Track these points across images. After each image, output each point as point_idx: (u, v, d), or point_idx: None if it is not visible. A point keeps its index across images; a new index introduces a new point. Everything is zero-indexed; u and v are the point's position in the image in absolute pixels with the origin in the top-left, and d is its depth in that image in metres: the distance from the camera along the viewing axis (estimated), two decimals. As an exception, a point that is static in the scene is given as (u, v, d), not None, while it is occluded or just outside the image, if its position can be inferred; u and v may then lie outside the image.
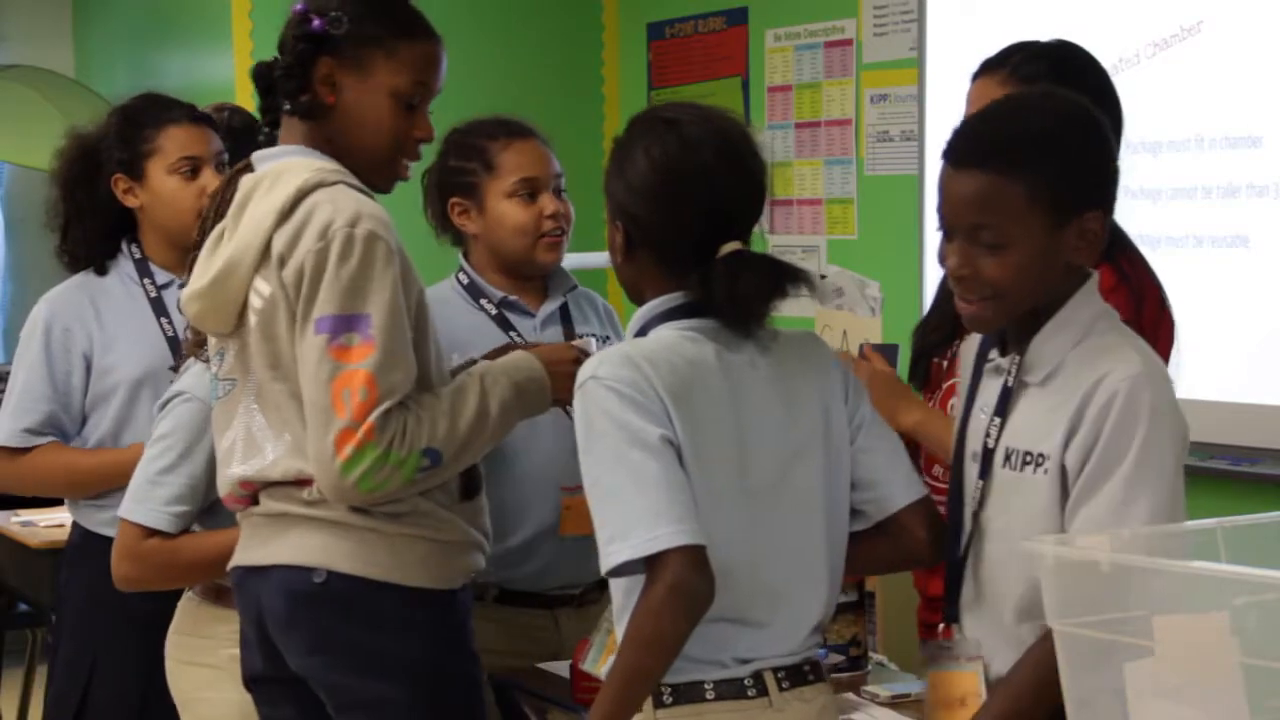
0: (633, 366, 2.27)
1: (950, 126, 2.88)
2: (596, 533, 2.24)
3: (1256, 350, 4.20)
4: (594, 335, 3.28)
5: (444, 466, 2.56)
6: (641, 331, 2.37)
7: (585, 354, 2.73)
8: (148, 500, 2.86)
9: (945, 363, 2.87)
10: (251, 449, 2.62)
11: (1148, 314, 2.74)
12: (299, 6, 2.64)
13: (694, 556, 2.19)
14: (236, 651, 2.75)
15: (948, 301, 2.86)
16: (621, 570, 2.22)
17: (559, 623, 3.24)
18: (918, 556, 2.46)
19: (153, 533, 2.85)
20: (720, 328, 2.33)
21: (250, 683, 2.73)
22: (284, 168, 2.60)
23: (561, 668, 3.01)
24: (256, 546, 2.65)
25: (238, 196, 2.64)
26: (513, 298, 3.27)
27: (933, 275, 2.98)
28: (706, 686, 2.27)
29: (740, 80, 6.03)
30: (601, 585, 3.21)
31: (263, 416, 2.61)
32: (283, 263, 2.53)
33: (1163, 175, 4.32)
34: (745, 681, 2.29)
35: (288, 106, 2.62)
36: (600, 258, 3.64)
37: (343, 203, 2.54)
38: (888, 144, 5.08)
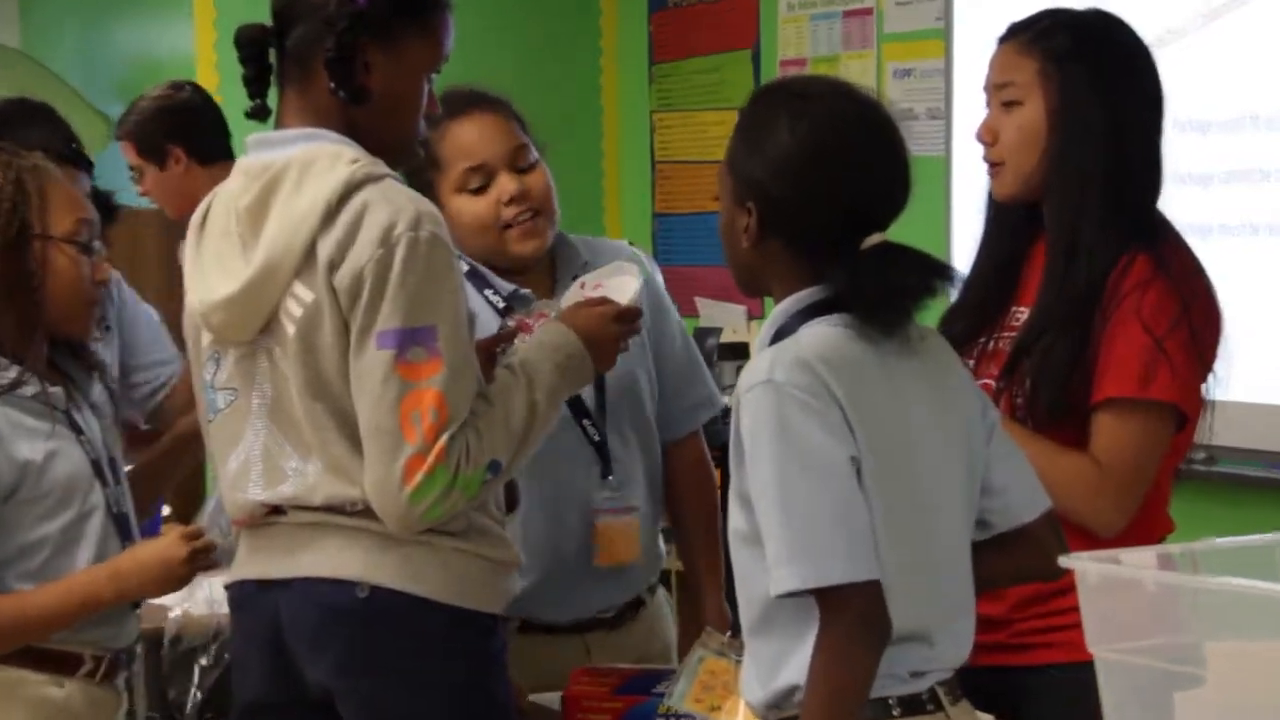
0: (809, 371, 2.26)
1: (981, 103, 2.89)
2: (766, 550, 2.24)
3: (1318, 349, 4.19)
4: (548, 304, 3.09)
5: (503, 475, 2.60)
6: (780, 332, 2.36)
7: (627, 311, 2.75)
8: None
9: (972, 361, 2.86)
10: (273, 473, 2.61)
11: (1196, 311, 2.73)
12: None
13: (874, 591, 2.23)
14: None
15: (973, 291, 2.87)
16: (788, 594, 2.25)
17: (590, 650, 3.18)
18: (1040, 573, 2.46)
19: None
20: (866, 325, 2.33)
21: (246, 712, 2.73)
22: (309, 157, 2.57)
23: (553, 699, 3.00)
24: (277, 557, 2.64)
25: (250, 188, 2.60)
26: (523, 291, 3.13)
27: (961, 261, 2.97)
28: (891, 702, 2.30)
29: (750, 54, 6.02)
30: (636, 604, 3.23)
31: (281, 435, 2.60)
32: (333, 268, 2.52)
33: (1213, 157, 4.31)
34: (923, 696, 2.33)
35: (341, 94, 2.59)
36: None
37: (399, 202, 2.53)
38: (912, 123, 5.07)
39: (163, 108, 4.44)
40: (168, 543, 2.79)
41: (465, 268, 3.09)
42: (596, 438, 3.14)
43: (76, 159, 3.50)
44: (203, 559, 2.81)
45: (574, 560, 3.12)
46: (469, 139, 3.10)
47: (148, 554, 2.78)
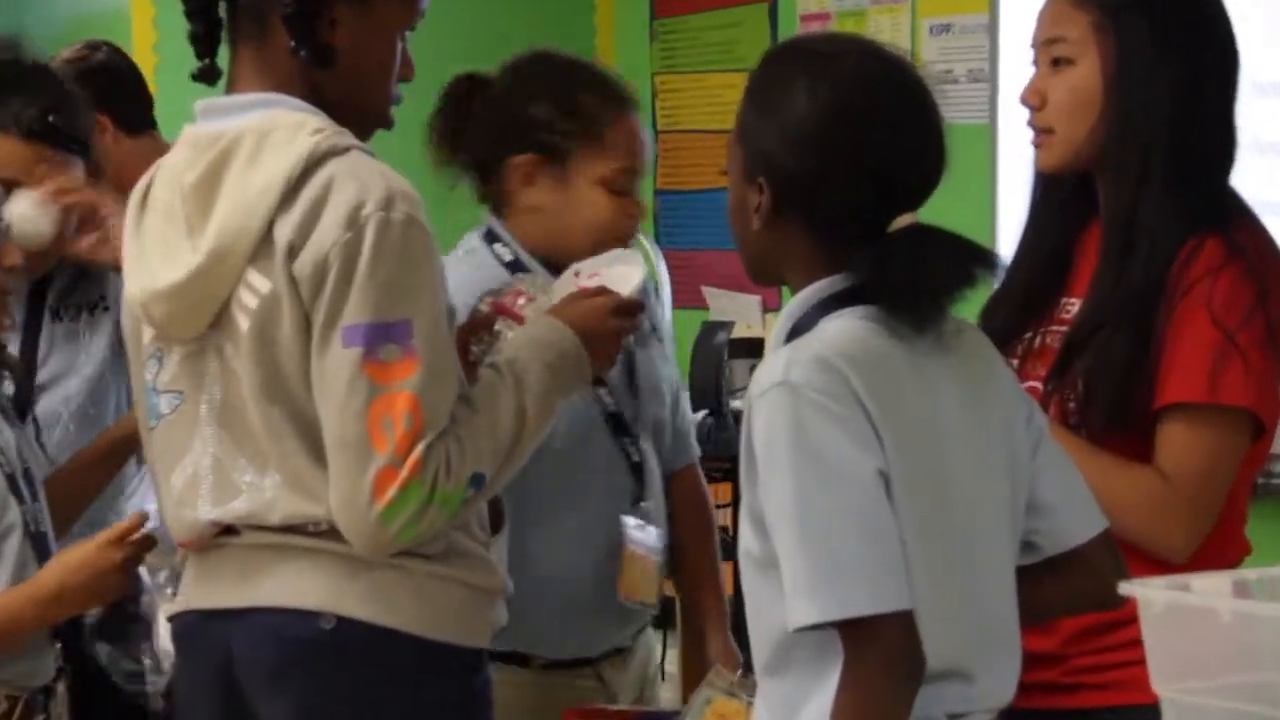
0: (829, 370, 2.26)
1: (1028, 63, 2.89)
2: (782, 576, 2.24)
3: None
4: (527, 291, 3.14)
5: (487, 489, 2.60)
6: (797, 327, 2.36)
7: (628, 303, 2.76)
8: None
9: (1017, 360, 2.87)
10: (225, 487, 2.61)
11: (1274, 302, 2.72)
12: None
13: (905, 622, 2.23)
14: None
15: (1018, 279, 2.87)
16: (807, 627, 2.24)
17: (604, 678, 3.25)
18: (1096, 601, 2.48)
19: None
20: (894, 318, 2.33)
21: None
22: (265, 126, 2.57)
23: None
24: (230, 584, 2.64)
25: (198, 161, 2.59)
26: None
27: (1007, 245, 2.97)
28: None
29: (766, 8, 6.03)
30: (642, 627, 3.32)
31: (233, 444, 2.60)
32: (293, 254, 2.51)
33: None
34: None
35: (303, 54, 2.59)
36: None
37: (367, 178, 2.53)
38: (952, 86, 5.08)
39: (82, 71, 4.33)
40: (94, 547, 2.77)
41: (509, 256, 3.17)
42: (636, 458, 3.20)
43: (48, 135, 3.42)
44: (137, 563, 2.79)
45: (603, 591, 3.17)
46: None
47: (71, 565, 2.77)
